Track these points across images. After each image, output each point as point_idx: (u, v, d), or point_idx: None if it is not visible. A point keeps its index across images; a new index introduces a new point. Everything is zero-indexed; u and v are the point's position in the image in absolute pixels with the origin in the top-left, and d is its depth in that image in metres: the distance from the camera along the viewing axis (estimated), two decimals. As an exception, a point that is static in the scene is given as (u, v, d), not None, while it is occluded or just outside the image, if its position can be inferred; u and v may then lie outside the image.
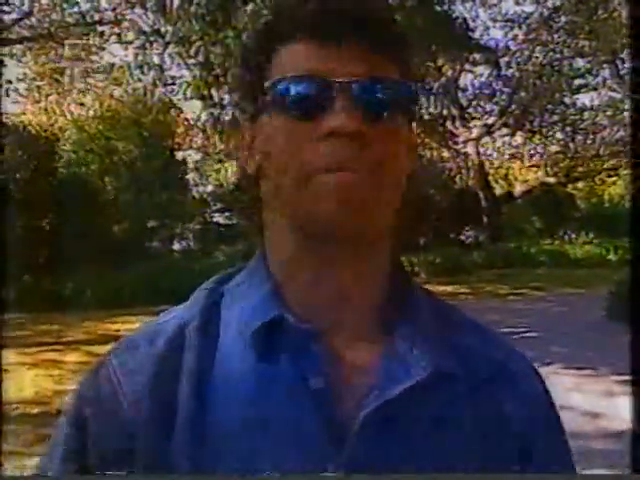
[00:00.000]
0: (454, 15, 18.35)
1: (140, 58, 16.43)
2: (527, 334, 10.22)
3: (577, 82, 22.38)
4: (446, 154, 24.58)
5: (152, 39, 15.49)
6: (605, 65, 20.67)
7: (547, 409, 0.98)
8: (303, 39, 0.87)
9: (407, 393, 0.86)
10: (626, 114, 21.12)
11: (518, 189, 25.72)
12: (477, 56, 21.02)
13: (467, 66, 21.78)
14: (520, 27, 21.46)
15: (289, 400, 0.85)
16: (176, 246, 20.34)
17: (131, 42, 16.78)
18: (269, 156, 0.89)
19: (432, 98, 21.77)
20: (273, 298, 0.90)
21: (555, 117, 23.40)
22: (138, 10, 14.28)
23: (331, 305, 0.90)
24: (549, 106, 22.63)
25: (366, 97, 0.86)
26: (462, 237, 23.83)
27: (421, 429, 0.87)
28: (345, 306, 0.90)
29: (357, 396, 0.86)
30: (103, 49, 18.62)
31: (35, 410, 7.06)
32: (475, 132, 23.87)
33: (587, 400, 7.00)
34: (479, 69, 22.79)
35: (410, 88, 0.91)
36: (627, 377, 6.46)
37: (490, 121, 23.74)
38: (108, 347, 0.98)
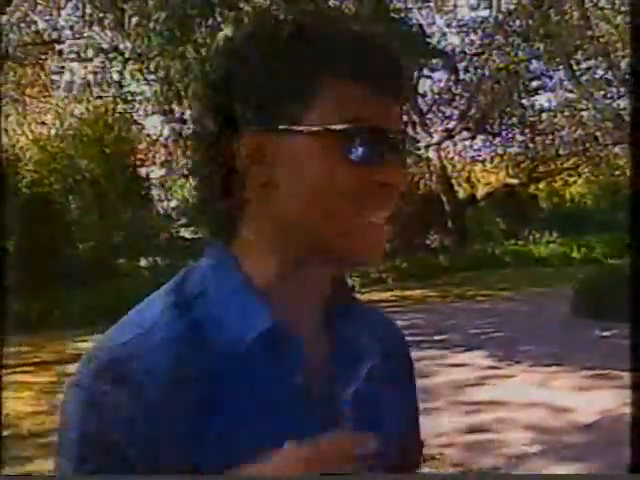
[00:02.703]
0: (411, 22, 18.55)
1: (99, 75, 16.44)
2: (495, 334, 10.35)
3: (534, 84, 22.67)
4: (408, 160, 24.73)
5: (111, 56, 15.50)
6: (560, 67, 20.94)
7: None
8: (363, 80, 0.92)
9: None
10: (584, 114, 21.43)
11: (481, 192, 25.97)
12: (435, 62, 21.24)
13: (425, 72, 21.98)
14: (476, 32, 21.71)
15: (282, 395, 0.96)
16: (143, 262, 20.20)
17: (90, 60, 16.78)
18: (305, 183, 0.93)
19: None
20: (262, 308, 0.95)
21: (514, 119, 23.65)
22: (96, 28, 14.24)
23: (303, 313, 1.00)
24: (508, 108, 22.87)
25: (404, 152, 0.98)
26: (428, 241, 23.96)
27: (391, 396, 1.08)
28: (311, 313, 1.01)
29: (327, 383, 0.99)
30: (62, 68, 18.55)
31: (5, 432, 7.01)
32: (436, 137, 24.05)
33: (555, 396, 7.11)
34: (437, 74, 23.03)
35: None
36: (625, 377, 6.56)
37: (450, 125, 23.94)
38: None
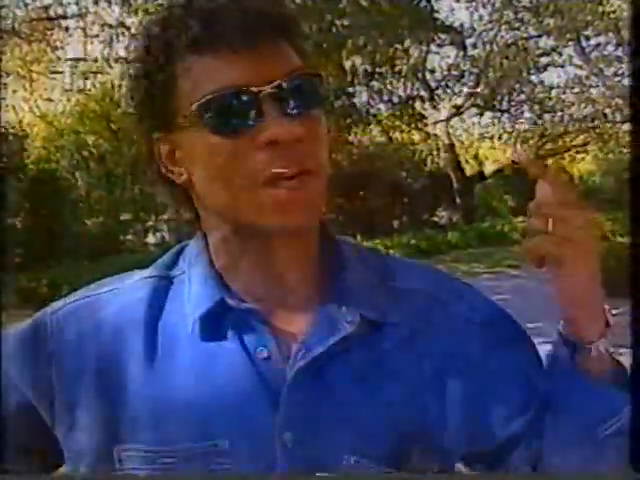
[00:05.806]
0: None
1: (106, 51, 16.36)
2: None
3: (543, 60, 22.48)
4: (416, 136, 24.65)
5: (117, 32, 15.44)
6: (570, 43, 20.76)
7: (492, 327, 1.07)
8: (211, 50, 0.88)
9: (336, 347, 0.93)
10: (593, 91, 21.30)
11: (489, 168, 25.86)
12: (443, 37, 21.10)
13: (434, 48, 21.85)
14: (485, 7, 21.51)
15: (238, 372, 0.92)
16: (150, 239, 20.24)
17: (96, 36, 16.72)
18: (203, 169, 0.91)
19: (401, 80, 21.85)
20: (215, 285, 0.95)
21: (523, 96, 23.49)
22: (102, 3, 14.18)
23: (268, 285, 0.96)
24: (516, 85, 22.72)
25: (291, 99, 0.89)
26: (436, 218, 23.91)
27: (355, 378, 0.94)
28: (281, 284, 0.96)
29: (292, 359, 0.93)
30: (68, 44, 18.48)
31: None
32: (444, 113, 23.93)
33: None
34: (446, 50, 22.87)
35: (319, 76, 0.94)
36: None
37: (459, 102, 23.81)
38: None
